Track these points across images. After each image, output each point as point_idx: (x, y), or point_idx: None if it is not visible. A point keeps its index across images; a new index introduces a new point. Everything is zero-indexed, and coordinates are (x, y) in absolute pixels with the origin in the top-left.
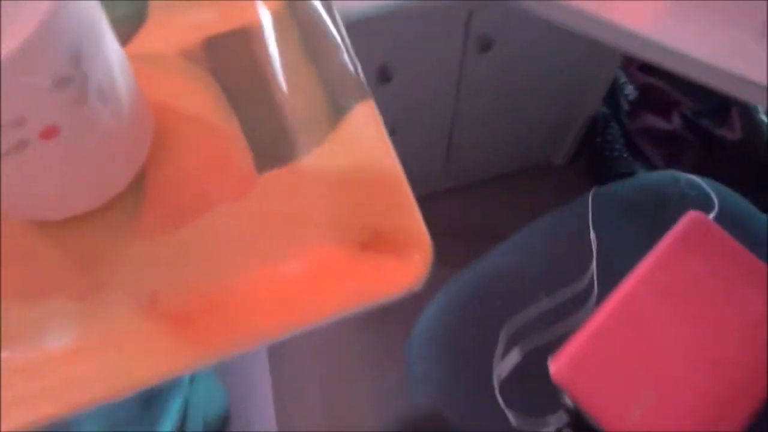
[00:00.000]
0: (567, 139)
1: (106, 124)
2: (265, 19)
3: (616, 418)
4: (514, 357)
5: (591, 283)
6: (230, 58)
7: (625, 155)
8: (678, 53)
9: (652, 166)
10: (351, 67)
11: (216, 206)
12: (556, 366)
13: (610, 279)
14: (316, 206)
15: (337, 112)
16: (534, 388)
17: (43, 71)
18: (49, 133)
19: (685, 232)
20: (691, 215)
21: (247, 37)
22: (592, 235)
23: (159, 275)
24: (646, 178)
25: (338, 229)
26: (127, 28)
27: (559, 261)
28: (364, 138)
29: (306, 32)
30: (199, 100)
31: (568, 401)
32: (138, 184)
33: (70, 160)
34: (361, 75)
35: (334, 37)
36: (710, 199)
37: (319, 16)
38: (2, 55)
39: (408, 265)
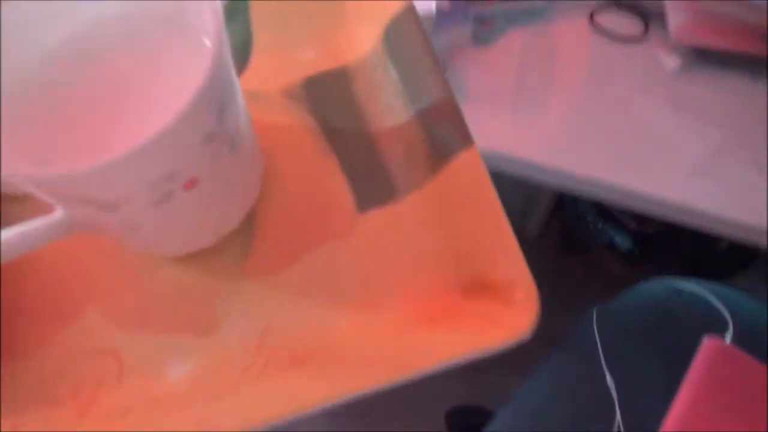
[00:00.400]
0: (538, 210)
1: (234, 171)
2: (364, 59)
3: None
4: None
5: None
6: (329, 97)
7: (599, 225)
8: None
9: (627, 230)
10: (456, 112)
11: (322, 244)
12: None
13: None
14: (417, 249)
15: (439, 156)
16: None
17: (197, 130)
18: (191, 184)
19: (706, 369)
20: (706, 347)
21: (346, 76)
22: (609, 379)
23: (270, 312)
24: (645, 293)
25: (442, 273)
26: (236, 63)
27: (576, 421)
28: (467, 185)
29: (406, 72)
30: (299, 139)
31: None
32: (248, 221)
33: (201, 206)
34: (464, 119)
35: (434, 77)
36: (717, 312)
37: (420, 55)
38: (172, 120)
39: (516, 313)
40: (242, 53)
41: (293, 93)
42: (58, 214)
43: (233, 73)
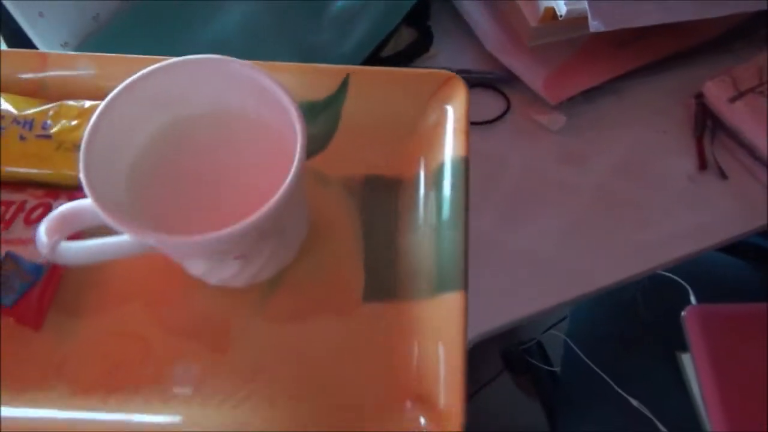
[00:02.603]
0: None
1: (278, 248)
2: (419, 179)
3: None
4: None
5: None
6: (379, 199)
7: None
8: None
9: None
10: (462, 257)
11: (326, 315)
12: None
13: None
14: (391, 348)
15: (438, 286)
16: None
17: (254, 234)
18: (239, 257)
19: (702, 336)
20: (689, 318)
21: (399, 187)
22: (635, 403)
23: (269, 355)
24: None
25: (399, 378)
26: (313, 147)
27: None
28: (447, 320)
29: (442, 207)
30: (341, 224)
31: None
32: (278, 276)
33: (245, 268)
34: (466, 267)
35: (460, 223)
36: (674, 283)
37: (460, 196)
38: (239, 227)
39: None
40: (324, 140)
41: (351, 184)
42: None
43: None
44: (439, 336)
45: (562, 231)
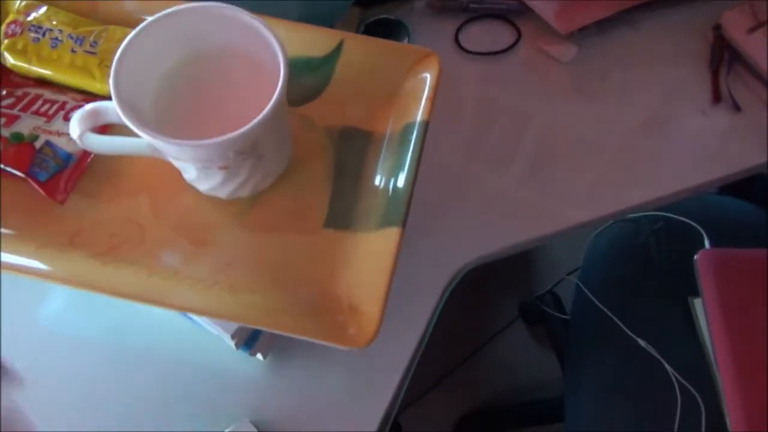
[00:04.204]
0: None
1: (255, 170)
2: (387, 134)
3: None
4: None
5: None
6: (352, 147)
7: None
8: None
9: None
10: (406, 199)
11: (290, 232)
12: None
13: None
14: (335, 266)
15: (383, 222)
16: None
17: (235, 149)
18: (223, 168)
19: (714, 280)
20: (701, 262)
21: (370, 139)
22: (642, 343)
23: (240, 254)
24: (608, 244)
25: (335, 286)
26: (306, 96)
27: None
28: (384, 249)
29: (400, 159)
30: (319, 161)
31: None
32: (258, 195)
33: (229, 178)
34: (407, 208)
35: (412, 172)
36: (687, 227)
37: (415, 152)
38: (216, 143)
39: (357, 335)
40: (316, 91)
41: (331, 131)
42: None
43: (284, 118)
44: (375, 260)
45: (575, 161)
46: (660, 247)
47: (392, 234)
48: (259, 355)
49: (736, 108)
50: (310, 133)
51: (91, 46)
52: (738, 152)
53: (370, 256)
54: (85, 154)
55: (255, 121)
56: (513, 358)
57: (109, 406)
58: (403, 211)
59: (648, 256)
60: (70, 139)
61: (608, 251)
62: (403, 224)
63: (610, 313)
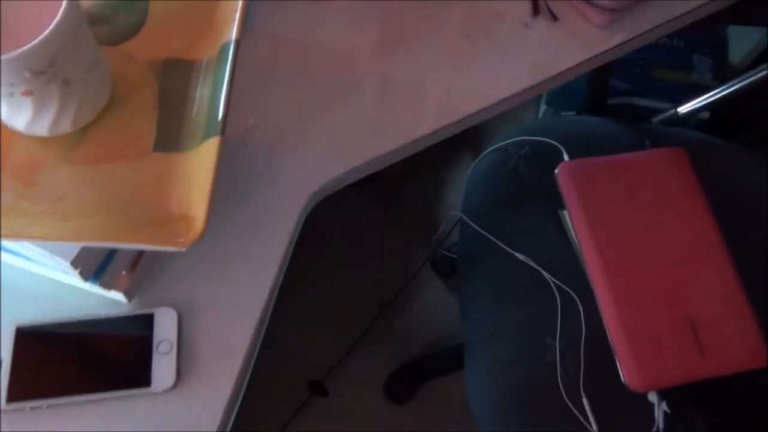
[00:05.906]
0: None
1: (67, 93)
2: (206, 59)
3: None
4: None
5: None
6: (174, 76)
7: None
8: None
9: None
10: (223, 108)
11: (121, 160)
12: (633, 380)
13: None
14: (167, 183)
15: (204, 135)
16: None
17: (29, 67)
18: (27, 94)
19: (574, 187)
20: (561, 174)
21: (191, 66)
22: (521, 257)
23: (72, 188)
24: (483, 171)
25: (164, 200)
26: (124, 34)
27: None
28: (207, 159)
29: (217, 75)
30: (144, 92)
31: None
32: (86, 127)
33: (40, 110)
34: (225, 116)
35: (229, 85)
36: (549, 145)
37: (230, 73)
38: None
39: (186, 236)
40: (133, 29)
41: (154, 64)
42: None
43: (84, 35)
44: (201, 170)
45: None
46: (529, 169)
47: (213, 143)
48: (115, 292)
49: (554, 18)
50: (133, 67)
51: None
52: (557, 57)
53: (197, 167)
54: None
55: (42, 36)
56: (432, 312)
57: None
58: (221, 120)
59: (520, 179)
60: None
61: (483, 180)
62: (222, 132)
63: (488, 234)
